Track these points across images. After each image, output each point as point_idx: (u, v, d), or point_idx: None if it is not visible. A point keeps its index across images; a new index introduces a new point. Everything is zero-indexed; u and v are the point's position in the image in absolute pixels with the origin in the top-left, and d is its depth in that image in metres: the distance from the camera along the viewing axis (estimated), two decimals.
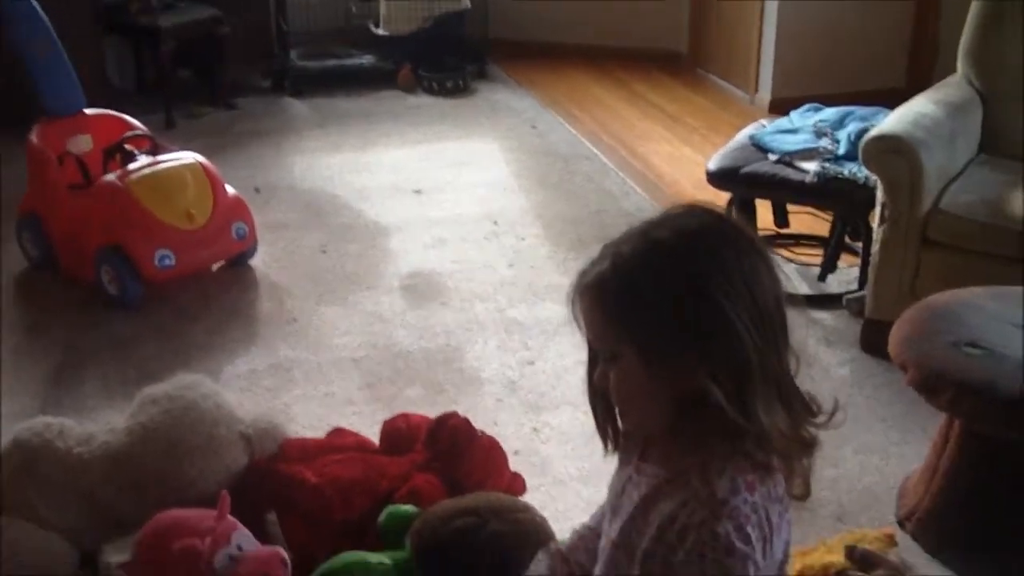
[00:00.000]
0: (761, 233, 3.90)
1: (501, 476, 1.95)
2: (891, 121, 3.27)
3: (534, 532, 1.82)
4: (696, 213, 1.40)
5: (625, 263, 1.39)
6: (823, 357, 3.39)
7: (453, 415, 2.03)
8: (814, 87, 5.30)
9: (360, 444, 2.23)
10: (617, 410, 1.45)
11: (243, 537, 1.88)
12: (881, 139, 3.16)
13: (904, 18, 5.71)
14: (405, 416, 2.27)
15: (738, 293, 1.30)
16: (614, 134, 5.46)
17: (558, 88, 6.23)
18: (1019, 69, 3.52)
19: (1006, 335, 2.37)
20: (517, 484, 1.98)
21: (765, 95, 5.69)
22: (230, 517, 1.89)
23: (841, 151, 3.62)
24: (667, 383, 1.36)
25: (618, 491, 1.49)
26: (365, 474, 1.98)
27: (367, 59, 6.35)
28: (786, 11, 5.53)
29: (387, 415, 3.11)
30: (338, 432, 2.35)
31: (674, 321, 1.33)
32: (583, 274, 1.45)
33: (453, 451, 1.92)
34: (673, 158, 5.13)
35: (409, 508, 1.89)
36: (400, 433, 2.17)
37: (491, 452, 1.97)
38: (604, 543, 1.47)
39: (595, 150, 5.22)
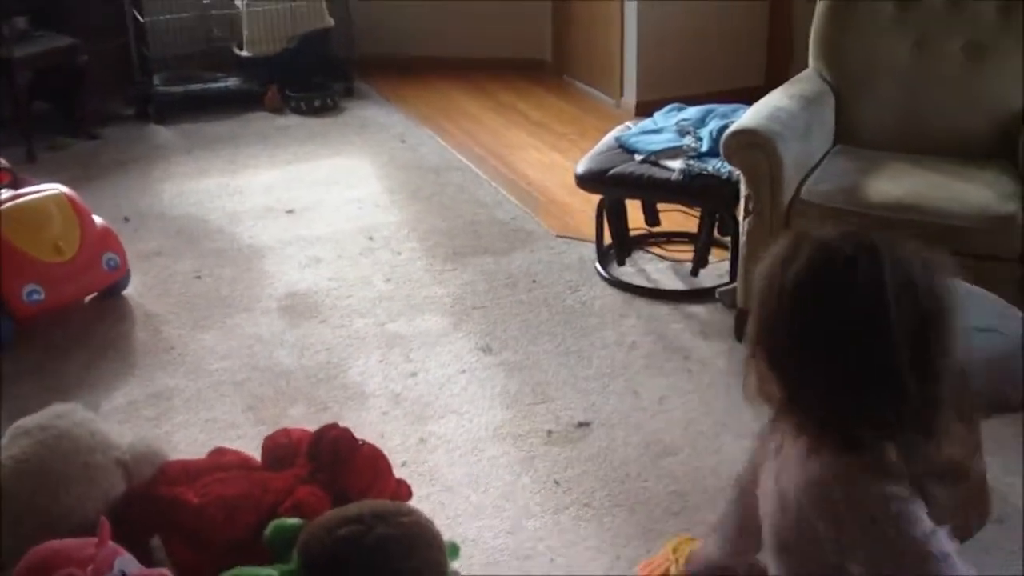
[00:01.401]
0: (633, 233, 4.01)
1: (386, 483, 1.96)
2: (748, 116, 3.37)
3: (420, 534, 1.83)
4: None
5: None
6: (700, 349, 3.47)
7: (333, 426, 2.03)
8: (678, 89, 5.42)
9: (242, 462, 2.22)
10: None
11: (126, 563, 1.85)
12: (739, 134, 3.25)
13: (760, 17, 5.88)
14: (286, 431, 2.26)
15: None
16: (484, 144, 5.51)
17: (426, 102, 6.26)
18: (864, 62, 3.66)
19: None
20: (403, 490, 1.99)
21: (630, 98, 5.80)
22: (111, 543, 1.86)
23: (704, 148, 3.71)
24: None
25: None
26: (248, 490, 1.97)
27: (232, 82, 6.28)
28: (645, 15, 5.64)
29: None
30: (219, 451, 2.33)
31: None
32: None
33: (336, 462, 1.93)
34: (543, 165, 5.19)
35: (294, 521, 1.88)
36: (282, 448, 2.16)
37: (374, 460, 1.98)
38: None
39: (466, 161, 5.26)
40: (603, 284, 3.91)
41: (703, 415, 3.11)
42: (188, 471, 2.13)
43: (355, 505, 1.83)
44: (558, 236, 4.35)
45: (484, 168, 5.16)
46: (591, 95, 6.24)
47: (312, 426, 3.10)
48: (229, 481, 2.01)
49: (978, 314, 2.47)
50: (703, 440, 2.99)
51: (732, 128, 3.29)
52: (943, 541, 1.54)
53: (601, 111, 5.92)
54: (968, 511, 2.59)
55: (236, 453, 2.28)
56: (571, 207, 4.56)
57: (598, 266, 3.97)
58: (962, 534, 2.53)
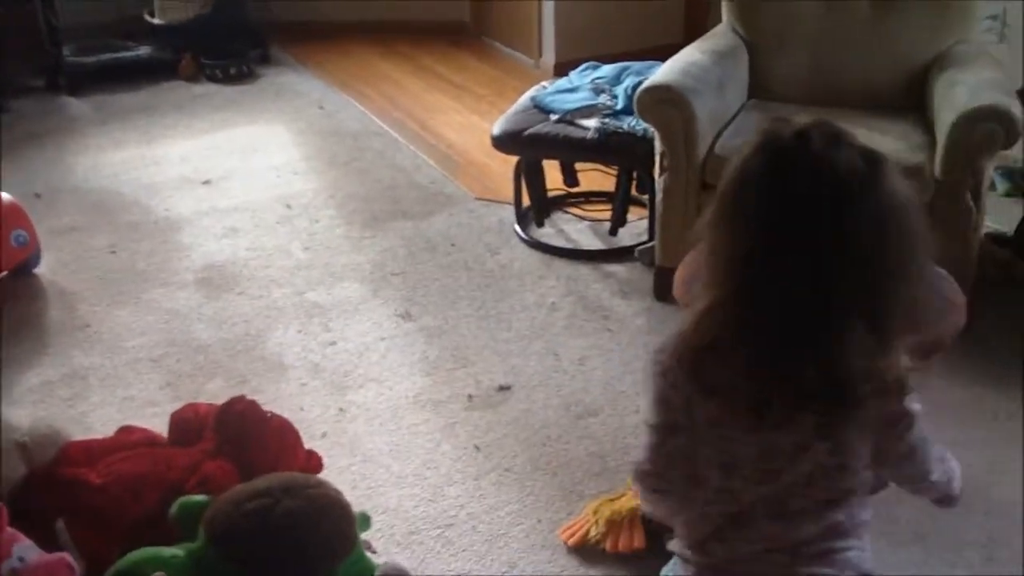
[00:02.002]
0: (551, 193, 3.99)
1: (295, 456, 1.93)
2: (661, 72, 3.36)
3: (328, 506, 1.81)
4: None
5: None
6: (620, 308, 3.47)
7: (240, 399, 2.00)
8: (597, 48, 5.38)
9: (148, 439, 2.17)
10: None
11: (25, 548, 1.81)
12: (652, 90, 3.24)
13: None
14: (193, 406, 2.22)
15: None
16: (403, 108, 5.45)
17: (345, 67, 6.18)
18: (776, 17, 3.66)
19: None
20: (313, 462, 1.97)
21: (549, 59, 5.77)
22: (10, 529, 1.82)
23: (619, 106, 3.70)
24: None
25: None
26: (152, 468, 1.93)
27: (146, 51, 6.13)
28: None
29: None
30: (125, 430, 2.28)
31: None
32: None
33: (243, 436, 1.90)
34: (463, 127, 5.15)
35: (201, 497, 1.85)
36: (188, 423, 2.12)
37: (282, 433, 1.95)
38: None
39: (385, 126, 5.20)
40: (522, 246, 3.90)
41: (623, 374, 3.11)
42: (91, 451, 2.08)
43: (263, 479, 1.80)
44: (477, 199, 4.33)
45: (403, 132, 5.11)
46: (510, 56, 6.20)
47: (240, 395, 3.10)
48: (133, 459, 1.97)
49: None
50: (623, 400, 3.00)
51: (645, 85, 3.28)
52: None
53: (520, 72, 5.88)
54: None
55: (142, 431, 2.24)
56: (491, 169, 4.53)
57: (517, 228, 3.96)
58: (878, 483, 2.59)
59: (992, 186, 4.15)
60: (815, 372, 1.43)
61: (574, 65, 4.41)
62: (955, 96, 3.14)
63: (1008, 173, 4.13)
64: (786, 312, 1.42)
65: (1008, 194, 4.11)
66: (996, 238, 3.70)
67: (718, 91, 3.40)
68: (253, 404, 1.97)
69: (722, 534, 1.67)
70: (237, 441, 1.88)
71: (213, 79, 6.01)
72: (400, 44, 6.49)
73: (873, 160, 1.44)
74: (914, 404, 1.57)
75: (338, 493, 1.87)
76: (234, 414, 1.94)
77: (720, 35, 3.75)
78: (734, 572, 1.69)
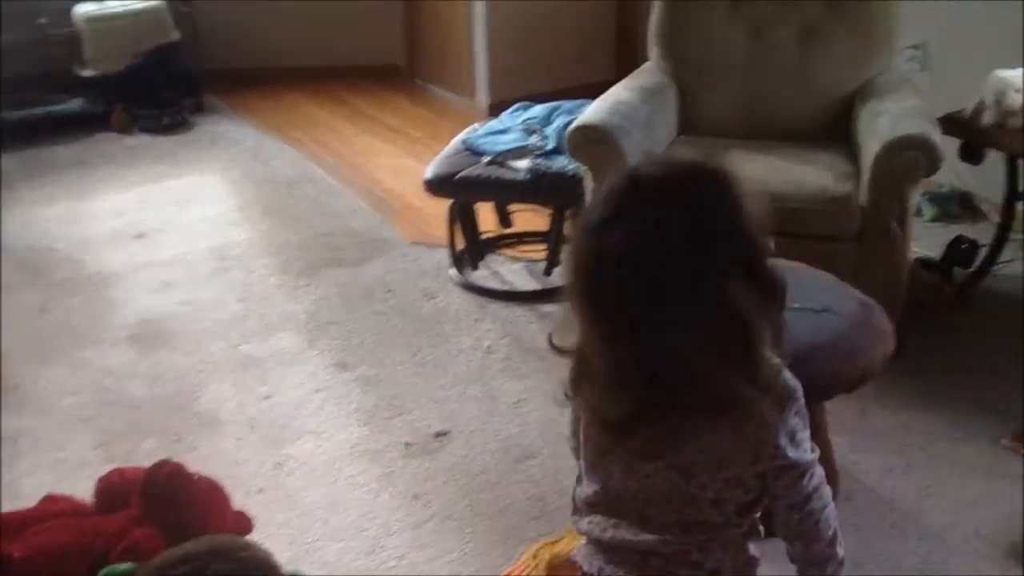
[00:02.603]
0: (486, 235, 3.99)
1: (224, 517, 1.90)
2: (590, 112, 3.38)
3: (257, 568, 1.78)
4: None
5: None
6: None
7: (166, 463, 1.96)
8: (531, 87, 5.42)
9: (74, 508, 2.12)
10: None
11: None
12: (581, 130, 3.25)
13: (608, 12, 5.92)
14: (119, 471, 2.18)
15: None
16: (338, 153, 5.44)
17: (279, 114, 6.16)
18: (702, 52, 3.70)
19: None
20: (243, 523, 1.94)
21: (483, 99, 5.79)
22: None
23: (551, 146, 3.72)
24: None
25: None
26: (77, 538, 1.89)
27: (77, 103, 6.07)
28: (492, 15, 5.65)
29: None
30: (49, 499, 2.23)
31: None
32: None
33: (170, 499, 1.86)
34: (397, 170, 5.15)
35: (127, 565, 1.81)
36: (114, 489, 2.08)
37: (211, 494, 1.92)
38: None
39: (320, 172, 5.19)
40: (458, 289, 3.89)
41: (560, 415, 3.08)
42: (13, 524, 2.04)
43: (191, 543, 1.76)
44: (413, 243, 4.32)
45: (338, 178, 5.10)
46: (445, 98, 6.21)
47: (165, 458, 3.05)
48: (57, 529, 1.93)
49: (812, 295, 2.52)
50: (561, 441, 2.95)
51: (573, 125, 3.29)
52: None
53: (455, 113, 5.89)
54: None
55: (67, 499, 2.19)
56: (426, 212, 4.52)
57: (452, 271, 3.95)
58: None
59: (919, 212, 4.21)
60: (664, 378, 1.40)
61: (508, 105, 4.43)
62: (878, 126, 3.18)
63: (935, 199, 4.19)
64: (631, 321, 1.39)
65: (935, 219, 4.17)
66: (924, 263, 3.75)
67: (647, 128, 3.42)
68: (179, 467, 1.94)
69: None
70: (164, 505, 1.85)
71: (146, 130, 5.97)
72: (335, 89, 6.48)
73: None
74: (807, 455, 1.53)
75: (268, 555, 1.83)
76: (160, 478, 1.91)
77: (647, 72, 3.78)
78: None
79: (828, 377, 2.33)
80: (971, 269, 3.64)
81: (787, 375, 1.49)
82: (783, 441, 1.48)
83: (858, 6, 3.58)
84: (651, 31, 3.81)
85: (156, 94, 6.07)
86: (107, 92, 6.03)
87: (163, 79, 6.09)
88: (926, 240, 3.98)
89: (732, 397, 1.42)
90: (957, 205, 4.21)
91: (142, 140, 5.88)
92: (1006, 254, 3.71)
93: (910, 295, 3.38)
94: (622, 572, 1.58)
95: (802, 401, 1.52)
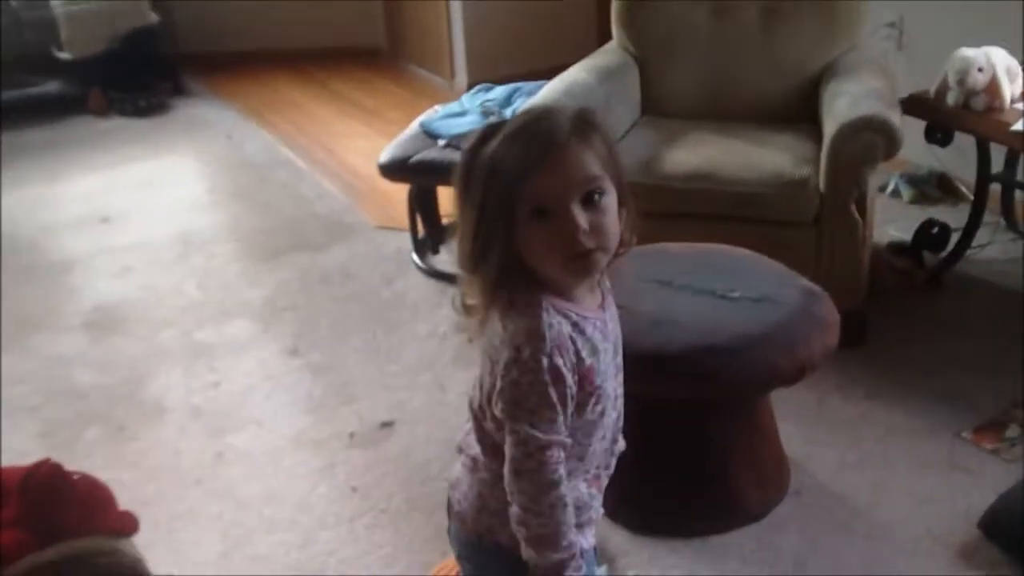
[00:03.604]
0: (448, 219, 3.88)
1: (106, 518, 1.83)
2: (543, 93, 3.29)
3: (119, 574, 1.72)
4: None
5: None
6: None
7: (45, 462, 1.89)
8: (510, 67, 5.33)
9: None
10: (596, 250, 1.40)
11: None
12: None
13: None
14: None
15: None
16: (312, 136, 5.36)
17: (258, 96, 6.08)
18: (664, 32, 3.60)
19: (642, 292, 2.38)
20: (128, 524, 1.86)
21: (462, 80, 5.69)
22: None
23: None
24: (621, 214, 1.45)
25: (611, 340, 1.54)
26: None
27: (53, 86, 6.02)
28: None
29: (66, 462, 2.93)
30: None
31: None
32: (576, 116, 1.42)
33: (47, 501, 1.79)
34: (371, 153, 4.97)
35: None
36: None
37: (91, 494, 1.85)
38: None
39: (292, 155, 5.11)
40: (419, 275, 3.81)
41: None
42: None
43: (52, 549, 1.70)
44: (379, 227, 4.23)
45: (309, 161, 5.02)
46: (426, 79, 6.12)
47: (107, 449, 2.99)
48: None
49: (753, 283, 2.43)
50: None
51: (524, 106, 3.20)
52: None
53: (435, 94, 5.78)
54: (767, 484, 2.55)
55: None
56: (394, 197, 4.42)
57: (414, 256, 3.86)
58: (762, 508, 2.51)
59: (897, 193, 4.11)
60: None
61: (491, 84, 4.33)
62: (837, 107, 3.08)
63: (912, 180, 4.09)
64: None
65: (913, 201, 4.06)
66: (896, 247, 3.65)
67: (603, 110, 3.31)
68: (58, 467, 1.86)
69: None
70: (41, 507, 1.77)
71: (123, 113, 5.91)
72: (316, 71, 6.40)
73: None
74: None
75: (136, 560, 1.77)
76: (37, 478, 1.84)
77: (608, 52, 3.69)
78: None
79: (764, 370, 2.24)
80: (943, 254, 3.53)
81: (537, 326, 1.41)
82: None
83: None
84: (613, 9, 3.71)
85: (133, 77, 6.00)
86: (84, 75, 5.97)
87: (140, 62, 6.02)
88: (903, 223, 3.89)
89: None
90: (935, 187, 4.10)
91: (118, 123, 5.82)
92: (982, 237, 3.61)
93: (875, 280, 3.29)
94: None
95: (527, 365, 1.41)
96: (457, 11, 5.60)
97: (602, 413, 1.53)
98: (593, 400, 1.49)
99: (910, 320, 3.32)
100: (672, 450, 2.44)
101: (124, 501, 2.57)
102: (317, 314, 3.60)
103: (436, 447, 2.87)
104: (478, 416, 1.56)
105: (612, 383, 1.56)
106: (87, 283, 3.98)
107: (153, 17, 6.08)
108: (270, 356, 3.39)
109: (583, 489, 1.58)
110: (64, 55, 5.93)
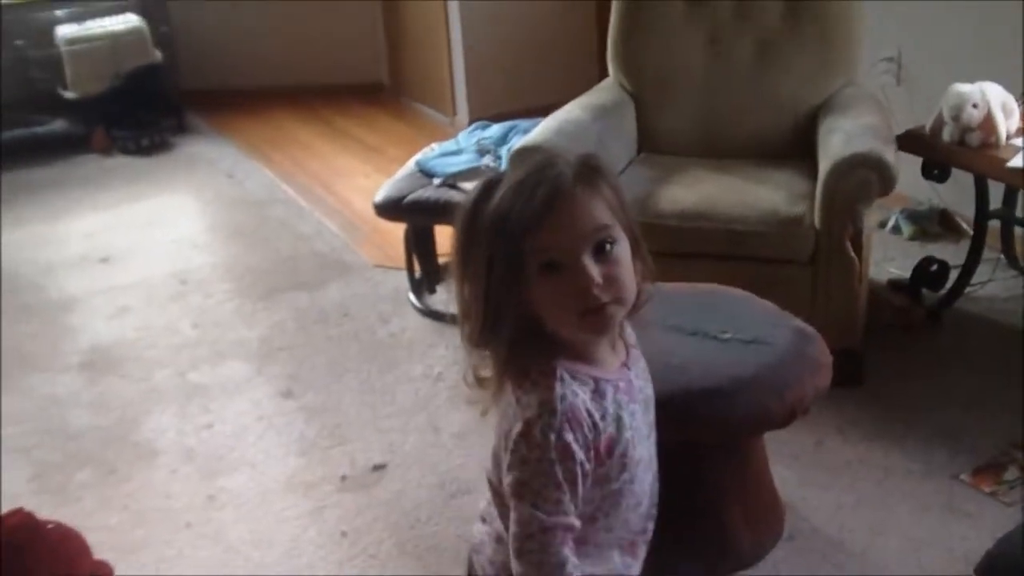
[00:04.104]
0: (442, 259, 3.87)
1: (79, 567, 1.80)
2: (536, 132, 3.28)
3: None
4: None
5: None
6: None
7: (18, 511, 1.87)
8: (512, 104, 5.33)
9: None
10: (611, 303, 1.36)
11: None
12: (524, 152, 3.14)
13: (588, 26, 5.80)
14: None
15: None
16: (312, 173, 5.36)
17: (260, 133, 6.09)
18: (659, 69, 3.59)
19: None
20: (103, 573, 1.84)
21: (463, 116, 5.69)
22: None
23: (504, 167, 3.60)
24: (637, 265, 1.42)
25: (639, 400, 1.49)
26: None
27: (59, 124, 6.04)
28: (470, 30, 5.56)
29: (57, 506, 2.92)
30: None
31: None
32: (581, 162, 1.40)
33: (20, 549, 1.77)
34: (370, 191, 4.94)
35: None
36: None
37: (64, 543, 1.83)
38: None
39: (292, 192, 5.11)
40: (415, 314, 3.78)
41: None
42: None
43: None
44: (377, 266, 4.22)
45: (309, 198, 5.01)
46: (427, 115, 6.13)
47: (98, 491, 2.97)
48: None
49: (745, 324, 2.39)
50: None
51: (517, 146, 3.19)
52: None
53: (436, 131, 5.77)
54: (760, 529, 2.51)
55: None
56: (393, 235, 4.40)
57: (411, 295, 3.84)
58: (755, 553, 2.47)
59: (898, 230, 4.08)
60: None
61: (489, 120, 4.33)
62: (831, 144, 3.06)
63: (913, 216, 4.06)
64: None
65: (913, 237, 4.03)
66: (895, 284, 3.62)
67: (598, 147, 3.28)
68: (30, 516, 1.84)
69: None
70: (14, 556, 1.76)
71: (126, 151, 5.92)
72: (319, 107, 6.41)
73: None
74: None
75: None
76: (7, 529, 1.82)
77: (604, 89, 3.68)
78: None
79: (754, 413, 2.20)
80: (941, 291, 3.49)
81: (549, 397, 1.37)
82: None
83: (817, 18, 3.46)
84: (609, 47, 3.71)
85: (137, 115, 6.01)
86: (89, 113, 5.99)
87: (144, 100, 6.03)
88: (903, 259, 3.86)
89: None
90: (936, 222, 4.06)
91: (121, 161, 5.83)
92: (982, 274, 3.57)
93: (873, 318, 3.26)
94: None
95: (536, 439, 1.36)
96: (458, 48, 5.61)
97: (631, 480, 1.47)
98: (618, 469, 1.44)
99: (909, 358, 3.28)
100: (662, 492, 2.40)
101: (113, 545, 2.57)
102: (312, 354, 3.58)
103: (427, 491, 2.84)
104: (496, 489, 1.49)
105: (645, 445, 1.51)
106: (85, 323, 3.97)
107: (157, 54, 6.11)
108: (264, 396, 3.37)
109: (616, 560, 1.53)
110: (70, 94, 5.96)
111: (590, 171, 1.39)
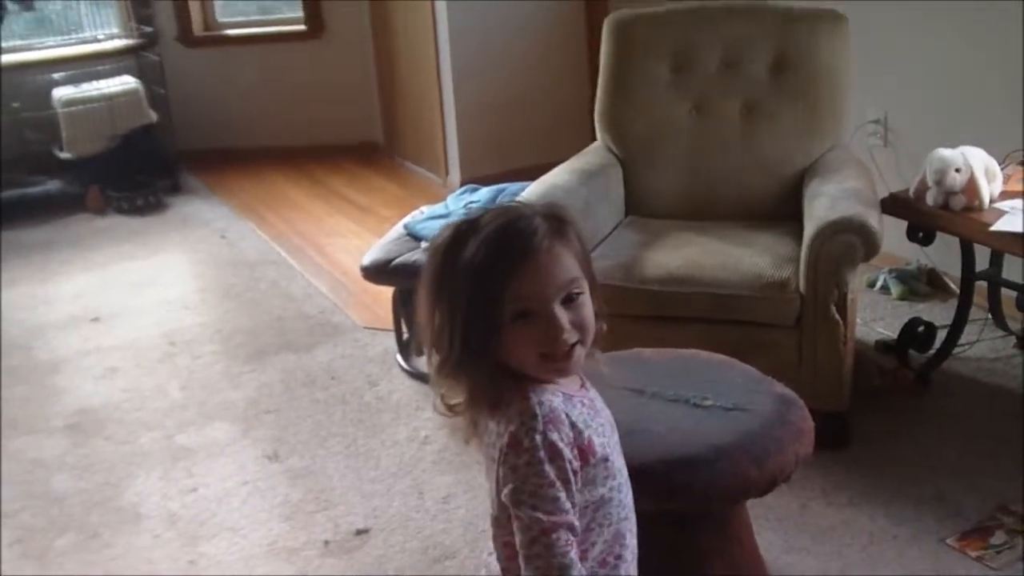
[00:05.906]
0: None
1: None
2: (525, 194, 3.31)
3: None
4: None
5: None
6: None
7: None
8: (504, 165, 5.37)
9: None
10: (577, 343, 1.47)
11: None
12: None
13: (582, 87, 5.84)
14: None
15: None
16: (304, 234, 5.37)
17: (253, 193, 6.11)
18: (645, 132, 3.62)
19: (614, 400, 2.34)
20: None
21: (455, 177, 5.71)
22: None
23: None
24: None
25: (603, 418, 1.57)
26: None
27: (54, 185, 6.06)
28: (462, 91, 5.59)
29: (38, 570, 2.90)
30: None
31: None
32: (550, 214, 1.50)
33: None
34: (361, 252, 4.96)
35: None
36: None
37: None
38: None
39: (283, 254, 5.11)
40: (403, 377, 3.78)
41: (486, 513, 2.96)
42: None
43: None
44: (366, 327, 4.22)
45: (300, 260, 5.02)
46: (420, 175, 6.15)
47: (80, 557, 2.94)
48: None
49: (726, 390, 2.39)
50: (483, 539, 2.84)
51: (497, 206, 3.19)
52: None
53: (429, 191, 5.81)
54: None
55: None
56: (382, 296, 4.40)
57: (399, 358, 3.84)
58: None
59: (886, 289, 4.09)
60: None
61: (482, 181, 4.35)
62: (815, 208, 3.08)
63: (901, 276, 4.06)
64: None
65: (902, 297, 4.04)
66: (883, 345, 3.62)
67: (584, 211, 3.31)
68: None
69: None
70: None
71: (120, 211, 5.93)
72: (312, 167, 6.44)
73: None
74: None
75: None
76: None
77: (592, 153, 3.70)
78: None
79: (735, 481, 2.19)
80: (929, 352, 3.49)
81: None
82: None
83: (803, 83, 3.49)
84: (596, 110, 3.73)
85: (131, 175, 6.04)
86: (84, 174, 6.02)
87: (139, 160, 6.06)
88: (891, 320, 3.86)
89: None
90: (925, 282, 4.07)
91: (114, 221, 5.85)
92: (969, 335, 3.57)
93: (860, 380, 3.26)
94: None
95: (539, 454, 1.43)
96: (451, 109, 5.64)
97: (618, 489, 1.54)
98: (604, 473, 1.50)
99: (896, 420, 3.27)
100: (642, 560, 2.38)
101: None
102: (299, 417, 3.57)
103: (410, 556, 2.82)
104: (500, 524, 1.54)
105: (619, 459, 1.57)
106: (72, 385, 3.96)
107: (152, 115, 6.15)
108: (249, 460, 3.35)
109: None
110: (65, 154, 5.99)
111: (558, 222, 1.48)
